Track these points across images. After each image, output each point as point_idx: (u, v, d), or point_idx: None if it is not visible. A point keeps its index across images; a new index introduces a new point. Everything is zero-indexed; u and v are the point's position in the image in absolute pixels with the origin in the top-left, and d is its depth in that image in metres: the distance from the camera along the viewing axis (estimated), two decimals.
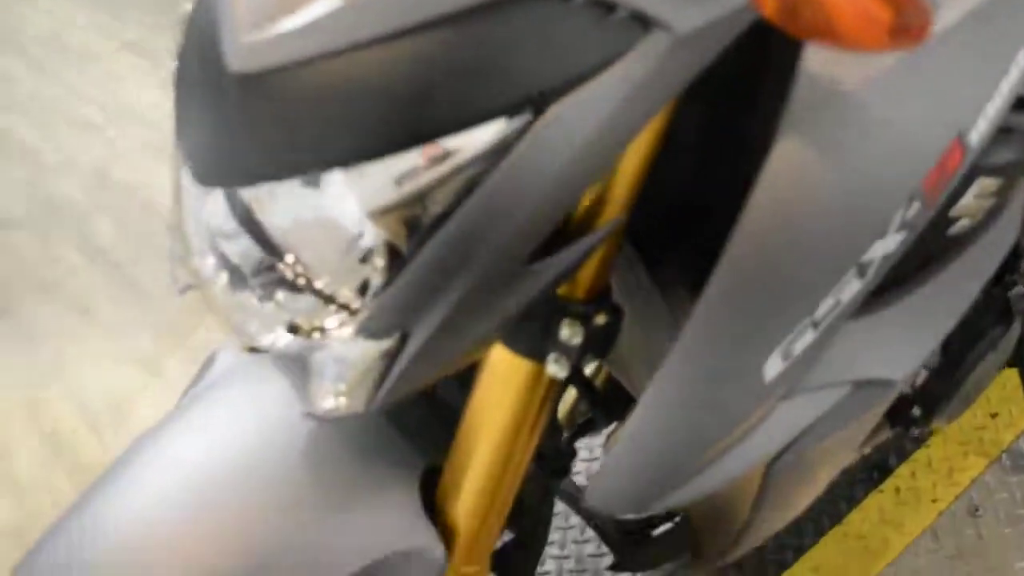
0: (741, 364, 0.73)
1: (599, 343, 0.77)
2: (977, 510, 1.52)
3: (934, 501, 1.54)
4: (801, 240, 0.70)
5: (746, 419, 0.78)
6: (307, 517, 0.81)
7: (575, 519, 1.59)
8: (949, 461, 1.59)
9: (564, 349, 0.75)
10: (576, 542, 1.57)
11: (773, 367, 0.74)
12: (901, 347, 0.83)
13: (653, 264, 0.86)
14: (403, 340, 0.69)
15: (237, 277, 0.74)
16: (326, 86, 0.63)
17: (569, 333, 0.74)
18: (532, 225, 0.64)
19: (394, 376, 0.71)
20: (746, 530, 0.97)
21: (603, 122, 0.61)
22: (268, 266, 0.73)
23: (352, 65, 0.62)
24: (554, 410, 0.85)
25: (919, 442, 1.62)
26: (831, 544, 1.51)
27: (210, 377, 0.96)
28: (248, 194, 0.70)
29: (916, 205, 0.72)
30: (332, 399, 0.74)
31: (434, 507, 0.88)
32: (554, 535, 1.59)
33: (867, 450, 1.26)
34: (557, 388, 0.81)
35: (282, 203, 0.69)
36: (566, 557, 1.56)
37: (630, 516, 1.20)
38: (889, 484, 1.57)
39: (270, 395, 0.87)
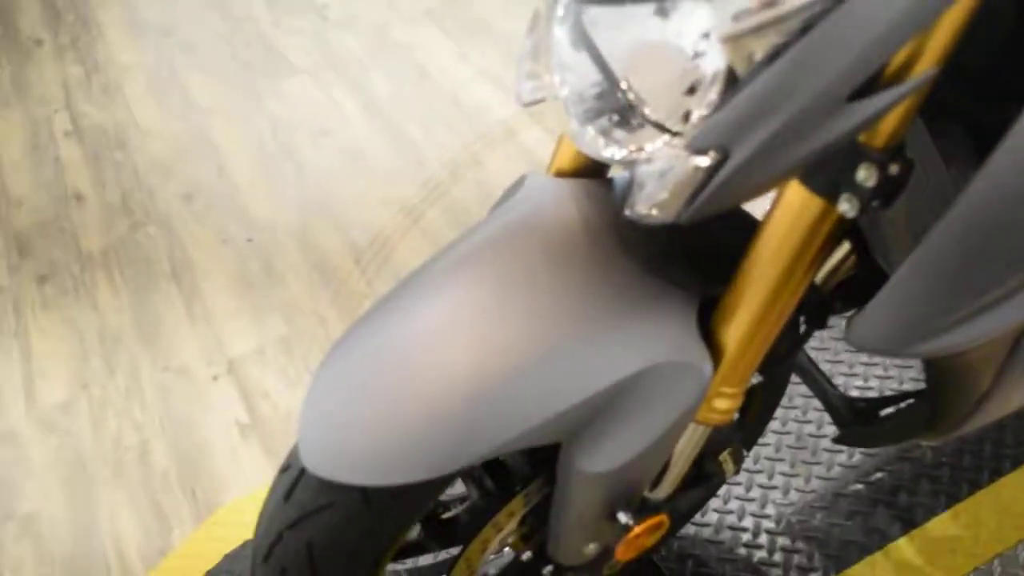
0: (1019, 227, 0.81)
1: (889, 191, 0.86)
2: None
3: None
4: None
5: (1016, 278, 0.85)
6: (596, 317, 0.92)
7: (798, 399, 1.68)
8: None
9: (857, 190, 0.84)
10: (797, 421, 1.66)
11: None
12: None
13: (937, 132, 0.93)
14: (723, 159, 0.80)
15: (575, 96, 0.86)
16: None
17: (865, 175, 0.83)
18: (857, 65, 0.74)
19: (709, 191, 0.82)
20: (986, 399, 1.04)
21: None
22: (603, 90, 0.85)
23: None
24: (830, 253, 0.93)
25: None
26: None
27: (518, 196, 1.09)
28: (592, 19, 0.81)
29: None
30: (649, 207, 0.86)
31: (707, 331, 0.99)
32: (776, 414, 1.69)
33: None
34: (840, 230, 0.90)
35: (628, 30, 0.80)
36: (787, 433, 1.65)
37: (878, 366, 1.26)
38: None
39: (572, 212, 0.99)
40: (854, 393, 1.42)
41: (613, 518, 1.09)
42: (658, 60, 0.81)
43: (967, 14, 0.77)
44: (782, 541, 1.51)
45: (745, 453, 1.22)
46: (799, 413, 1.67)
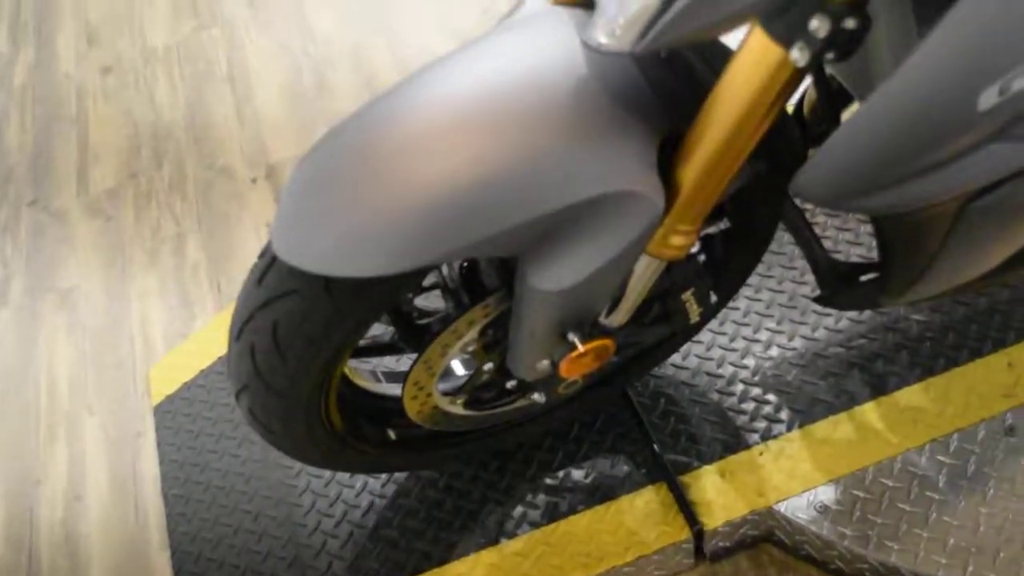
0: (960, 85, 0.82)
1: (842, 44, 0.87)
2: None
3: None
4: None
5: (954, 141, 0.87)
6: (561, 137, 0.96)
7: (798, 261, 1.71)
8: None
9: (809, 39, 0.86)
10: (793, 281, 1.70)
11: (988, 98, 0.83)
12: None
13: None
14: None
15: None
16: None
17: (818, 25, 0.85)
18: None
19: (664, 21, 0.84)
20: (932, 265, 1.07)
21: None
22: None
23: None
24: (786, 101, 0.95)
25: None
26: None
27: (517, 15, 1.12)
28: None
29: None
30: (606, 34, 0.89)
31: (667, 170, 1.03)
32: (773, 273, 1.72)
33: None
34: (795, 78, 0.92)
35: None
36: (781, 292, 1.69)
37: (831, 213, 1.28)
38: None
39: (561, 35, 1.02)
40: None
41: (564, 337, 1.15)
42: None
43: None
44: (755, 391, 1.56)
45: (714, 298, 1.25)
46: (797, 274, 1.70)
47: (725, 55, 0.99)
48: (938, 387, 1.53)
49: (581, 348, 1.14)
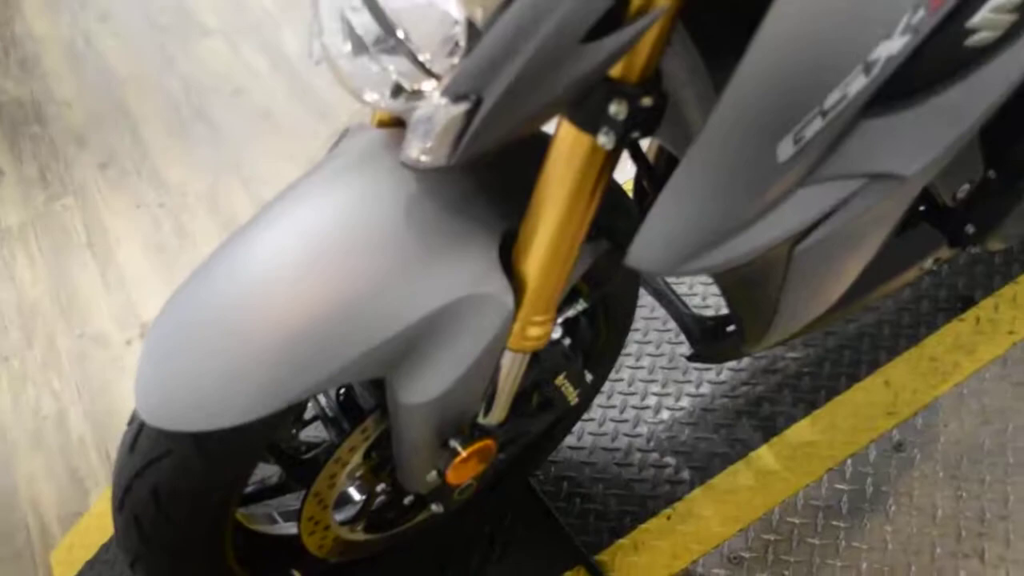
0: (759, 141, 0.87)
1: (644, 122, 0.92)
2: None
3: (1010, 332, 1.63)
4: (815, 37, 0.83)
5: (764, 193, 0.91)
6: (400, 256, 0.98)
7: (672, 323, 1.75)
8: None
9: (612, 124, 0.90)
10: (670, 343, 1.74)
11: (785, 149, 0.88)
12: (914, 146, 0.94)
13: (714, 54, 0.99)
14: (478, 103, 0.86)
15: (359, 46, 0.91)
16: None
17: (616, 110, 0.89)
18: (582, 7, 0.79)
19: (470, 133, 0.87)
20: (777, 313, 1.11)
21: None
22: (383, 38, 0.90)
23: None
24: (607, 182, 0.99)
25: (1008, 279, 1.70)
26: (904, 363, 1.63)
27: (341, 147, 1.15)
28: None
29: (921, 12, 0.83)
30: (420, 152, 0.91)
31: (511, 266, 1.05)
32: (651, 338, 1.76)
33: (929, 267, 1.36)
34: (609, 159, 0.96)
35: None
36: (660, 355, 1.72)
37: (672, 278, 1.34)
38: (971, 314, 1.67)
39: (385, 157, 1.04)
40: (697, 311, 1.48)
41: (446, 445, 1.15)
42: (425, 14, 0.86)
43: None
44: (652, 457, 1.59)
45: (589, 377, 1.28)
46: (672, 335, 1.74)
47: (546, 145, 1.03)
48: (824, 418, 1.58)
49: (463, 453, 1.14)
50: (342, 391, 1.25)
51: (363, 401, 1.22)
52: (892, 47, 0.84)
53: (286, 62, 2.89)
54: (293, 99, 2.75)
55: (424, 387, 1.05)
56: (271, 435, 1.09)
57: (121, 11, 3.27)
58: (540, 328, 1.08)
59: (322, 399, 1.26)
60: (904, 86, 0.92)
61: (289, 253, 0.99)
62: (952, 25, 0.89)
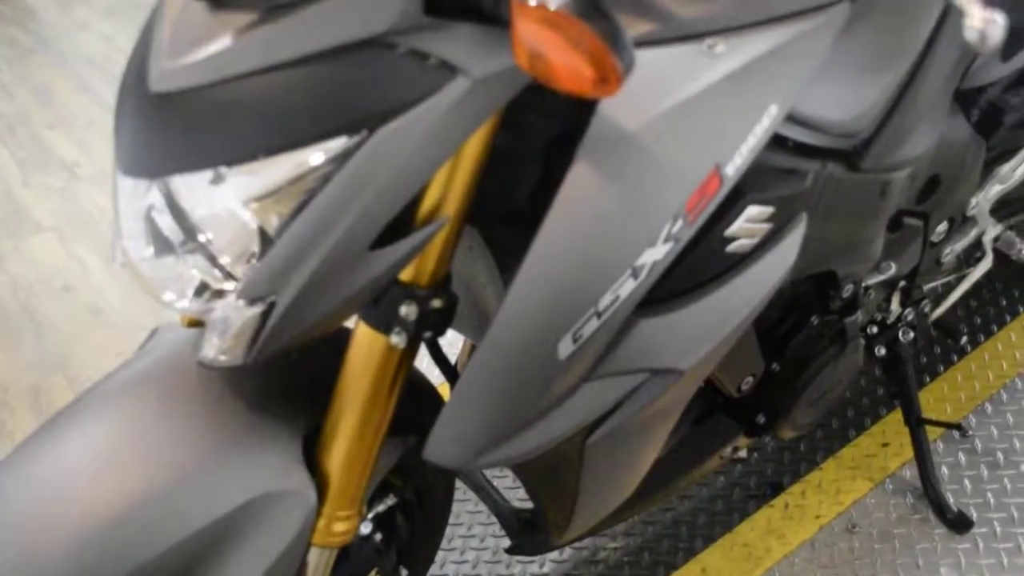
0: (540, 340, 0.92)
1: (435, 322, 0.96)
2: (854, 527, 1.68)
3: (817, 517, 1.70)
4: (586, 244, 0.90)
5: (550, 389, 0.96)
6: (197, 456, 0.98)
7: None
8: (838, 483, 1.75)
9: (404, 324, 0.94)
10: (494, 536, 1.75)
11: (565, 347, 0.93)
12: (687, 343, 1.01)
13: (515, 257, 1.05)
14: (271, 306, 0.89)
15: (165, 246, 0.93)
16: (218, 105, 0.84)
17: (407, 311, 0.94)
18: (368, 218, 0.85)
19: (265, 335, 0.90)
20: (577, 505, 1.14)
21: (420, 141, 0.82)
22: (186, 241, 0.93)
23: (237, 90, 0.83)
24: (404, 378, 1.03)
25: (813, 465, 1.79)
26: (719, 550, 1.67)
27: (149, 346, 1.16)
28: (175, 187, 0.90)
29: (680, 222, 0.91)
30: (217, 351, 0.93)
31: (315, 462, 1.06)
32: (475, 531, 1.77)
33: (730, 455, 1.43)
34: (405, 357, 1.00)
35: (199, 196, 0.89)
36: (484, 549, 1.73)
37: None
38: (780, 500, 1.74)
39: (191, 361, 1.06)
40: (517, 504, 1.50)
41: None
42: (225, 220, 0.89)
43: (471, 174, 0.89)
44: None
45: (404, 573, 1.28)
46: (496, 529, 1.75)
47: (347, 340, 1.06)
48: None
49: None
50: None
51: None
52: (656, 254, 0.92)
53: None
54: (125, 296, 2.73)
55: None
56: None
57: None
58: (346, 523, 1.09)
59: None
60: (675, 288, 0.99)
61: (88, 452, 0.99)
62: (712, 233, 0.98)
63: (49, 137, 3.51)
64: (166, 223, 0.92)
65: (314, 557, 1.11)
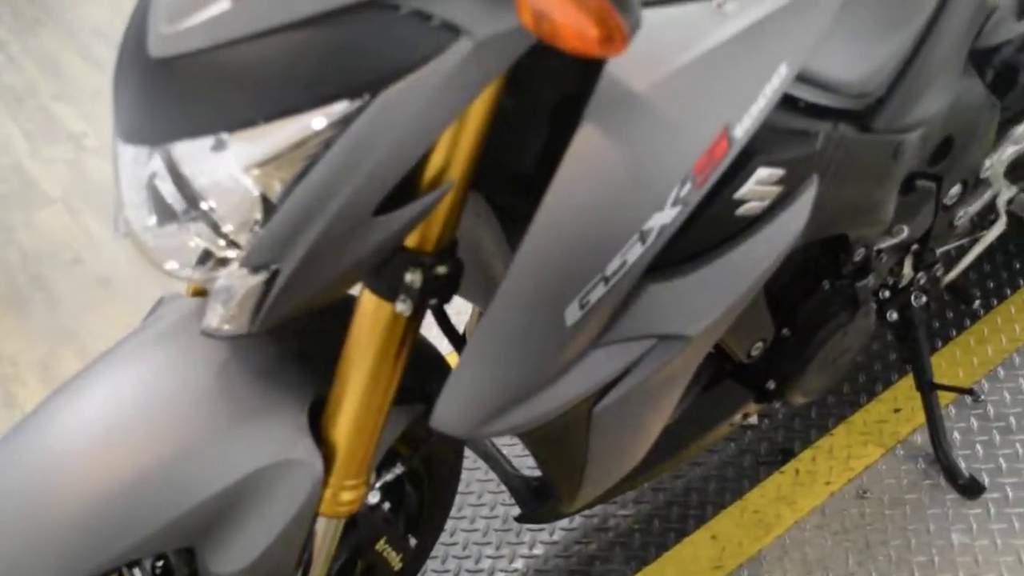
0: (547, 306, 0.91)
1: (440, 289, 0.95)
2: (865, 492, 1.67)
3: (828, 483, 1.69)
4: (593, 209, 0.88)
5: (557, 355, 0.95)
6: (204, 424, 0.99)
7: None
8: (849, 449, 1.74)
9: (409, 292, 0.93)
10: (504, 504, 1.75)
11: (573, 313, 0.92)
12: (696, 308, 1.00)
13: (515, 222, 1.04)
14: (274, 274, 0.88)
15: (168, 214, 0.92)
16: (217, 70, 0.83)
17: (412, 278, 0.93)
18: (371, 183, 0.83)
19: (268, 303, 0.89)
20: (586, 473, 1.14)
21: (423, 104, 0.81)
22: (190, 208, 0.92)
23: (236, 54, 0.82)
24: (411, 346, 1.02)
25: (824, 431, 1.78)
26: (729, 516, 1.67)
27: (154, 316, 1.15)
28: (176, 154, 0.89)
29: (688, 185, 0.90)
30: (221, 320, 0.93)
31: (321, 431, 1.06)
32: (485, 499, 1.77)
33: (740, 421, 1.43)
34: (410, 325, 0.99)
35: (200, 163, 0.88)
36: (494, 517, 1.73)
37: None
38: (790, 466, 1.73)
39: (196, 330, 1.05)
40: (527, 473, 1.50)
41: None
42: (225, 187, 0.88)
43: (476, 137, 0.88)
44: None
45: (413, 542, 1.28)
46: (506, 497, 1.75)
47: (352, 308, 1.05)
48: (653, 575, 1.59)
49: None
50: (159, 562, 1.21)
51: (179, 571, 1.19)
52: (664, 217, 0.91)
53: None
54: (134, 267, 2.73)
55: (234, 556, 1.03)
56: None
57: None
58: (353, 492, 1.08)
59: (137, 572, 1.22)
60: (684, 252, 0.98)
61: (95, 422, 0.99)
62: (721, 196, 0.97)
63: (56, 108, 3.50)
64: (168, 191, 0.91)
65: (321, 526, 1.11)
